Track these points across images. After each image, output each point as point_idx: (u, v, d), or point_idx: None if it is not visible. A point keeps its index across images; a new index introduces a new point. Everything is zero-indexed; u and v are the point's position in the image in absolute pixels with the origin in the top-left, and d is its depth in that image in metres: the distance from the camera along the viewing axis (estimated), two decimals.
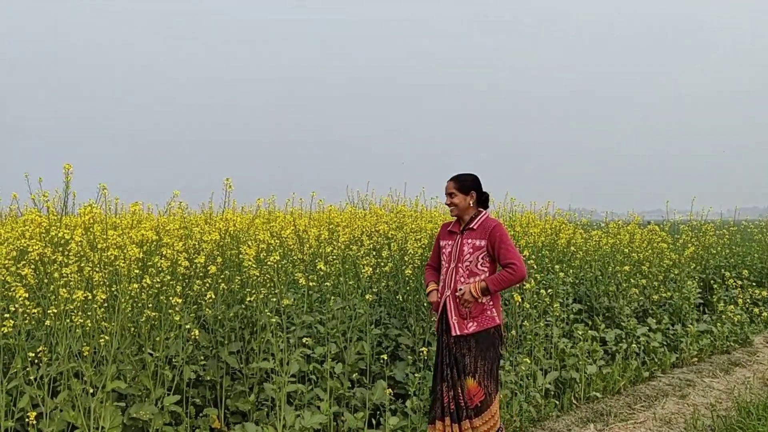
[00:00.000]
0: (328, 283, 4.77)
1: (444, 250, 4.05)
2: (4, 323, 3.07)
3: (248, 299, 4.40)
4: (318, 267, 4.45)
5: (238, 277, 4.63)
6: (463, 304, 3.80)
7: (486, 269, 3.83)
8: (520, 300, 5.39)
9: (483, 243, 3.81)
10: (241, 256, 4.66)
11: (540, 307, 5.67)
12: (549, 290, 5.92)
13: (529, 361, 5.13)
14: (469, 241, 3.86)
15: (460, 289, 3.81)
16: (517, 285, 4.02)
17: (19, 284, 3.23)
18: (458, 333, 3.80)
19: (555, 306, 5.86)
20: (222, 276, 4.47)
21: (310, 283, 4.76)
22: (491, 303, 3.83)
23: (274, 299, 4.26)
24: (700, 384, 6.06)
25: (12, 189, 4.96)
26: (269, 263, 4.09)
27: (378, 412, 4.60)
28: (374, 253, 5.48)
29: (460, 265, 3.88)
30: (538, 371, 5.27)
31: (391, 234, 5.67)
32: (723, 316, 7.90)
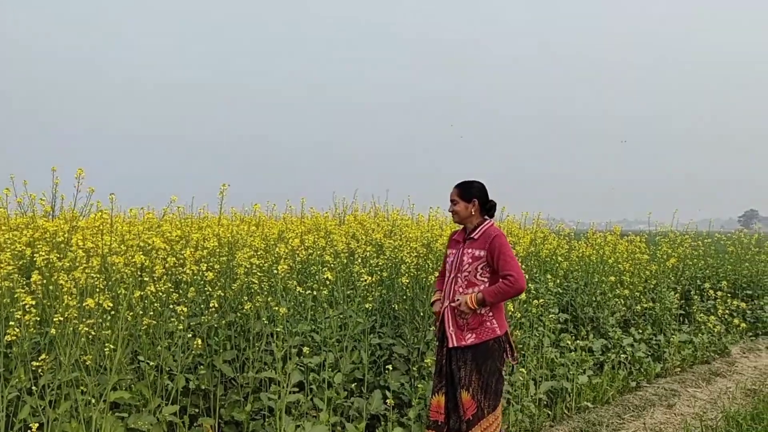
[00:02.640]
0: (324, 291, 4.73)
1: (447, 259, 4.02)
2: (8, 331, 2.97)
3: (246, 307, 4.34)
4: (325, 276, 4.41)
5: (234, 285, 4.57)
6: (460, 315, 3.76)
7: (485, 280, 3.76)
8: (512, 309, 5.42)
9: (483, 253, 3.75)
10: (232, 264, 4.61)
11: (530, 317, 5.70)
12: (539, 300, 5.96)
13: (524, 372, 5.16)
14: (470, 250, 3.81)
15: (457, 300, 3.76)
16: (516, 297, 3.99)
17: (23, 291, 3.13)
18: (455, 345, 3.75)
19: (551, 317, 5.91)
20: (218, 283, 4.41)
21: (306, 292, 4.72)
22: (491, 314, 3.75)
23: (275, 307, 4.21)
24: (684, 394, 6.17)
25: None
26: (276, 272, 4.04)
27: (374, 422, 4.57)
28: (371, 262, 5.45)
29: (459, 275, 3.83)
30: (530, 381, 5.30)
31: (387, 243, 5.65)
32: (702, 327, 8.05)
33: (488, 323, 3.75)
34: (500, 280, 3.67)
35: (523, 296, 5.60)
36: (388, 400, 4.32)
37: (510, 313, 5.43)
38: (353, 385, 4.71)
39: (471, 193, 3.88)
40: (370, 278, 4.78)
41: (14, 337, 2.98)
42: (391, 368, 4.46)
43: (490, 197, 3.95)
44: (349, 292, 4.92)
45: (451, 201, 3.95)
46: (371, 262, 5.51)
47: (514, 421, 4.84)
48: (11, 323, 2.99)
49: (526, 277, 6.20)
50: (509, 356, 3.84)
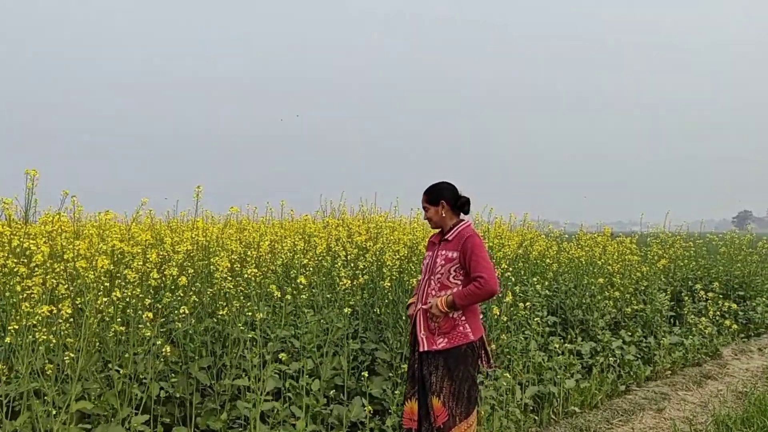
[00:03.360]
0: (304, 296, 4.60)
1: (423, 262, 3.93)
2: None
3: (221, 312, 4.22)
4: (299, 281, 4.28)
5: (210, 290, 4.44)
6: (432, 319, 3.65)
7: (459, 282, 3.65)
8: (498, 313, 5.30)
9: (455, 255, 3.65)
10: (212, 267, 4.48)
11: (517, 320, 5.59)
12: (527, 303, 5.84)
13: (509, 376, 5.04)
14: (443, 252, 3.72)
15: (429, 303, 3.66)
16: (492, 298, 3.88)
17: None
18: (426, 349, 3.64)
19: (535, 320, 5.79)
20: (193, 288, 4.28)
21: (286, 296, 4.60)
22: (463, 318, 3.64)
23: (249, 312, 4.09)
24: (674, 397, 6.06)
25: None
26: (246, 276, 3.91)
27: (355, 429, 4.45)
28: (352, 264, 5.33)
29: (432, 277, 3.72)
30: (516, 386, 5.18)
31: (369, 245, 5.54)
32: (693, 329, 7.95)
33: (461, 327, 3.63)
34: (472, 282, 3.55)
35: (509, 299, 5.49)
36: (366, 407, 4.20)
37: (496, 316, 5.32)
38: (333, 391, 4.59)
39: (437, 195, 3.80)
40: (349, 282, 4.65)
41: None
42: (367, 374, 4.34)
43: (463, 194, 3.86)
44: (330, 296, 4.80)
45: (423, 209, 3.88)
46: (352, 265, 5.39)
47: (498, 427, 4.71)
48: None
49: (511, 279, 6.09)
50: (484, 363, 3.73)
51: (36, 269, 3.20)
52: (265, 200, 6.71)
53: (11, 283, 3.10)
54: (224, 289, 4.30)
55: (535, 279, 6.51)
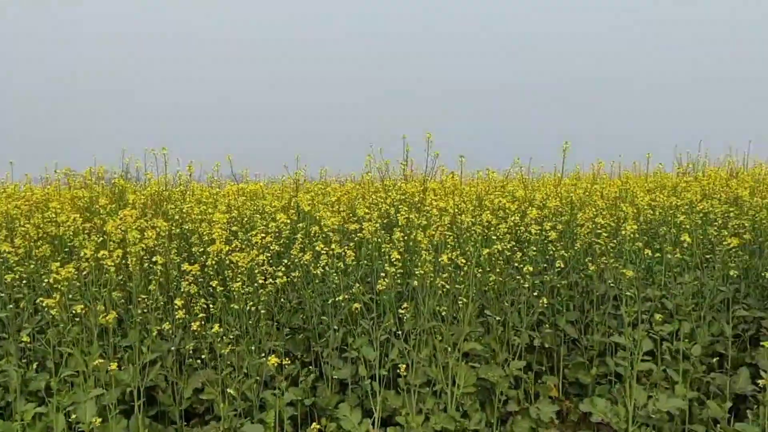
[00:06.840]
0: (678, 255, 4.30)
1: None
2: (378, 281, 3.38)
3: (591, 269, 4.21)
4: (683, 239, 4.02)
5: (577, 245, 4.46)
6: None
7: None
8: None
9: None
10: (576, 223, 4.49)
11: None
12: None
13: None
14: None
15: None
16: None
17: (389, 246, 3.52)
18: None
19: None
20: (560, 243, 4.35)
21: (656, 255, 4.36)
22: None
23: (623, 270, 4.00)
24: None
25: None
26: (624, 233, 3.82)
27: (737, 403, 4.04)
28: (732, 223, 4.78)
29: None
30: None
31: (747, 198, 4.88)
32: None
33: None
34: None
35: None
36: (761, 381, 3.77)
37: None
38: (714, 360, 4.23)
39: None
40: (734, 241, 4.18)
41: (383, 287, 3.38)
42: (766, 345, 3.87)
43: None
44: (708, 257, 4.39)
45: None
46: (732, 223, 4.84)
47: None
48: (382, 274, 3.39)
49: None
50: None
51: (432, 222, 3.61)
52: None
53: (413, 234, 3.56)
54: (590, 244, 4.27)
55: None
